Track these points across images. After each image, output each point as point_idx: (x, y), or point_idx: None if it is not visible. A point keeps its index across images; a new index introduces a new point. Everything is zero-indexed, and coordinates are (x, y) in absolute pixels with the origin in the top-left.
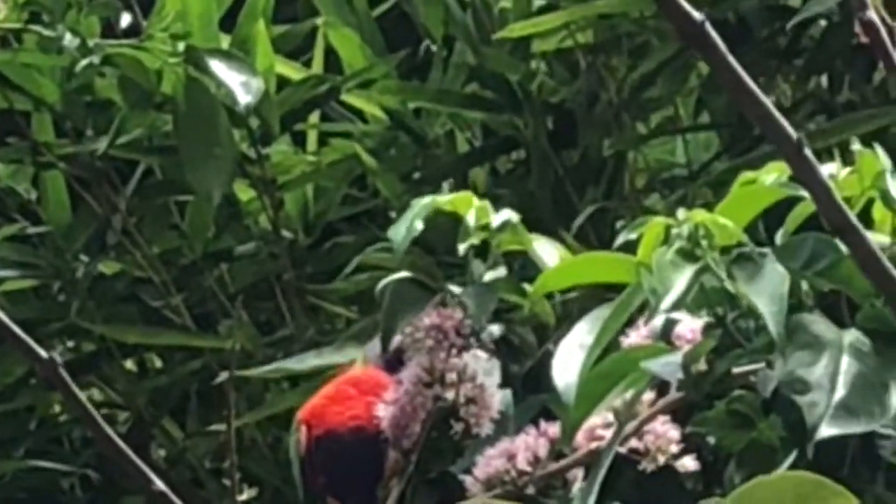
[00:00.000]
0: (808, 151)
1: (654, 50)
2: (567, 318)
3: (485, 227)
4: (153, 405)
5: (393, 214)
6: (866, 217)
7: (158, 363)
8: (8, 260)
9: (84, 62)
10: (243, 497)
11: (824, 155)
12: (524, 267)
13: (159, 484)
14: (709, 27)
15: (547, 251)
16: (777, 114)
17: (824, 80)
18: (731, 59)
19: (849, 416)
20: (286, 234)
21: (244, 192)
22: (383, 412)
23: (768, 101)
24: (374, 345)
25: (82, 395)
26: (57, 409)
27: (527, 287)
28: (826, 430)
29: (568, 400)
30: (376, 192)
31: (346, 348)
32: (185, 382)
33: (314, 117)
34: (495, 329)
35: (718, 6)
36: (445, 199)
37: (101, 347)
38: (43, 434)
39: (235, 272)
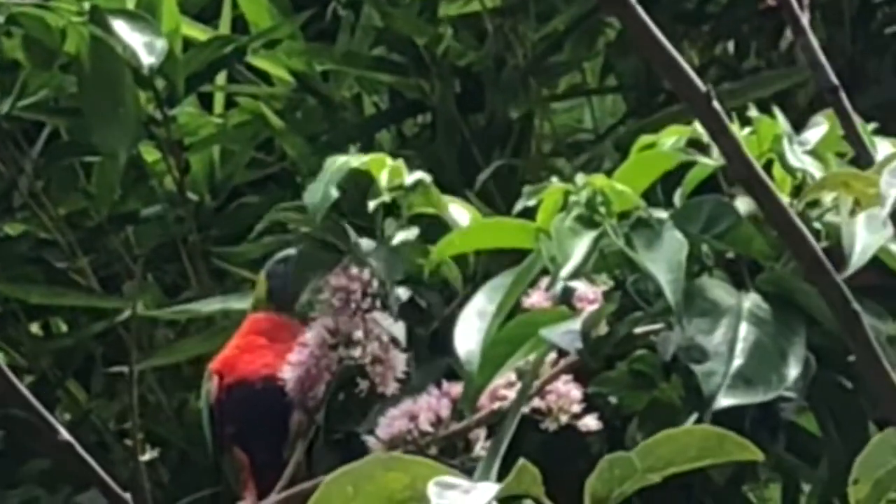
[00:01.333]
0: (716, 104)
1: (560, 14)
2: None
3: (397, 188)
4: (58, 367)
5: (299, 179)
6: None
7: (64, 328)
8: None
9: None
10: (146, 457)
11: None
12: (430, 230)
13: (65, 434)
14: None
15: (459, 213)
16: (687, 67)
17: (731, 46)
18: (643, 13)
19: (746, 387)
20: (192, 196)
21: (150, 154)
22: (289, 374)
23: (677, 55)
24: (275, 273)
25: (17, 380)
26: None
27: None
28: (723, 401)
29: (471, 367)
30: (282, 155)
31: (250, 296)
32: (89, 345)
33: (221, 79)
34: (402, 292)
35: None
36: (359, 160)
37: (6, 310)
38: None
39: (141, 234)
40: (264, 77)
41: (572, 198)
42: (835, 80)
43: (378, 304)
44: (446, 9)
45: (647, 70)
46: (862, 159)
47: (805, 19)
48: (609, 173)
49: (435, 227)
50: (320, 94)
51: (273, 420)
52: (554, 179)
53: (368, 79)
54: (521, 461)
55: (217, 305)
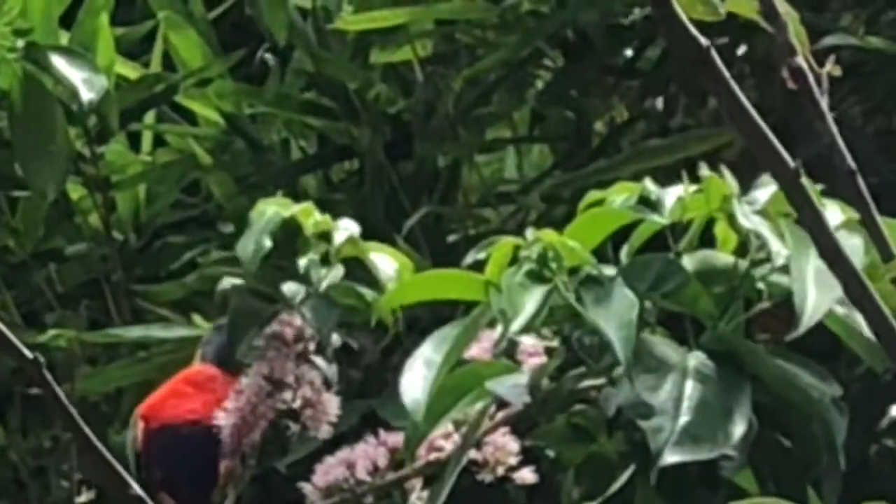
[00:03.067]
0: (804, 179)
1: (487, 60)
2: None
3: (324, 236)
4: None
5: (222, 223)
6: (709, 236)
7: None
8: None
9: None
10: (83, 499)
11: (673, 176)
12: (355, 270)
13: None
14: (713, 53)
15: (384, 261)
16: (774, 140)
17: (659, 102)
18: (733, 83)
19: (693, 444)
20: (117, 235)
21: (76, 191)
22: (224, 421)
23: (767, 129)
24: (210, 341)
25: (63, 396)
26: None
27: (366, 291)
28: (670, 458)
29: (416, 416)
30: (207, 197)
31: (172, 326)
32: (7, 382)
33: (150, 118)
34: (336, 338)
35: (558, 20)
36: (289, 209)
37: None
38: None
39: (64, 272)
40: (190, 119)
41: (523, 252)
42: (853, 163)
43: (312, 347)
44: (378, 55)
45: (576, 121)
46: (879, 247)
47: (825, 104)
48: (536, 224)
49: (361, 267)
50: (248, 136)
51: (200, 465)
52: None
53: (297, 123)
54: None
55: (140, 332)
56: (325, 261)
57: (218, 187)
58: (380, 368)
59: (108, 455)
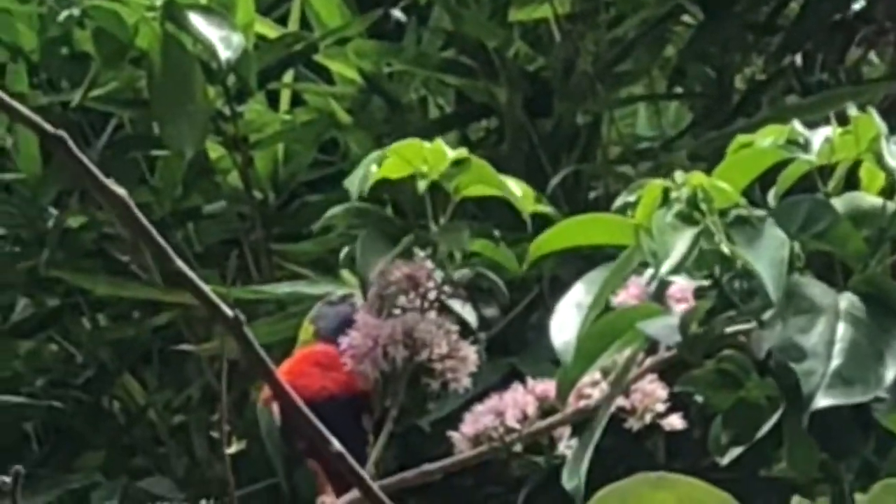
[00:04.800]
0: None
1: (630, 20)
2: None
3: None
4: (117, 357)
5: None
6: (854, 181)
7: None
8: None
9: (64, 13)
10: (232, 450)
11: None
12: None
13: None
14: None
15: (514, 186)
16: None
17: (798, 58)
18: None
19: (845, 386)
20: (256, 194)
21: (214, 150)
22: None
23: None
24: (324, 316)
25: (264, 353)
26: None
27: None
28: (822, 401)
29: (566, 358)
30: (345, 156)
31: (318, 283)
32: (148, 338)
33: (288, 77)
34: (467, 272)
35: None
36: (398, 144)
37: (65, 302)
38: (4, 383)
39: (203, 230)
40: (327, 78)
41: (673, 194)
42: None
43: (446, 289)
44: (516, 13)
45: (716, 77)
46: None
47: None
48: None
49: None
50: (386, 94)
51: (342, 428)
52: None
53: (435, 81)
54: None
55: (287, 289)
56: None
57: (356, 146)
58: (521, 327)
59: (307, 411)
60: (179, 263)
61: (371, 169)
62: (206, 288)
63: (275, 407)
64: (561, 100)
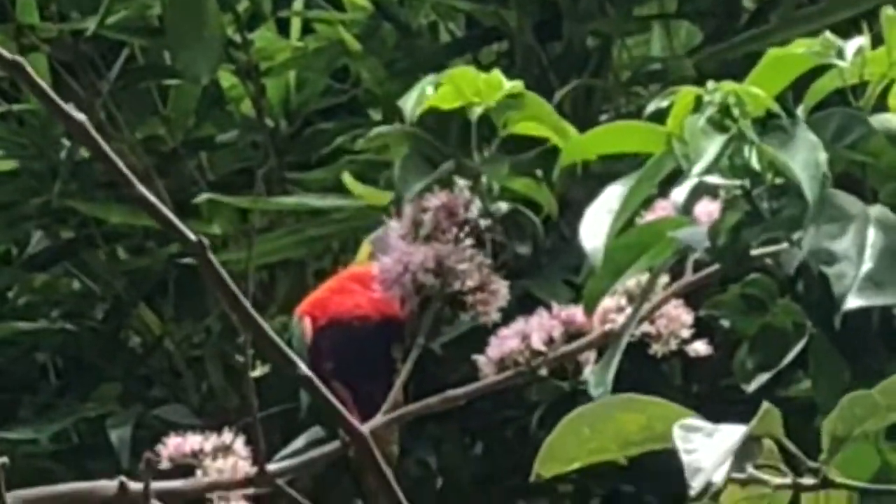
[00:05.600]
0: None
1: None
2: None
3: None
4: (132, 287)
5: (371, 109)
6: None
7: None
8: None
9: None
10: (256, 373)
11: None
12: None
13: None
14: None
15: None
16: None
17: None
18: None
19: (876, 289)
20: (268, 122)
21: (226, 79)
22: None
23: None
24: (381, 238)
25: (229, 279)
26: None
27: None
28: (853, 301)
29: (595, 262)
30: (356, 83)
31: (327, 197)
32: (163, 268)
33: (298, 4)
34: (502, 205)
35: None
36: (453, 72)
37: (80, 234)
38: (20, 315)
39: (216, 160)
40: (337, 4)
41: (705, 99)
42: None
43: (480, 222)
44: None
45: None
46: None
47: None
48: None
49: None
50: (397, 20)
51: (370, 356)
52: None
53: (445, 6)
54: (766, 404)
55: (294, 201)
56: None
57: (367, 73)
58: (534, 250)
59: (273, 335)
60: (140, 188)
61: (427, 91)
62: (168, 212)
63: (307, 322)
64: (571, 22)
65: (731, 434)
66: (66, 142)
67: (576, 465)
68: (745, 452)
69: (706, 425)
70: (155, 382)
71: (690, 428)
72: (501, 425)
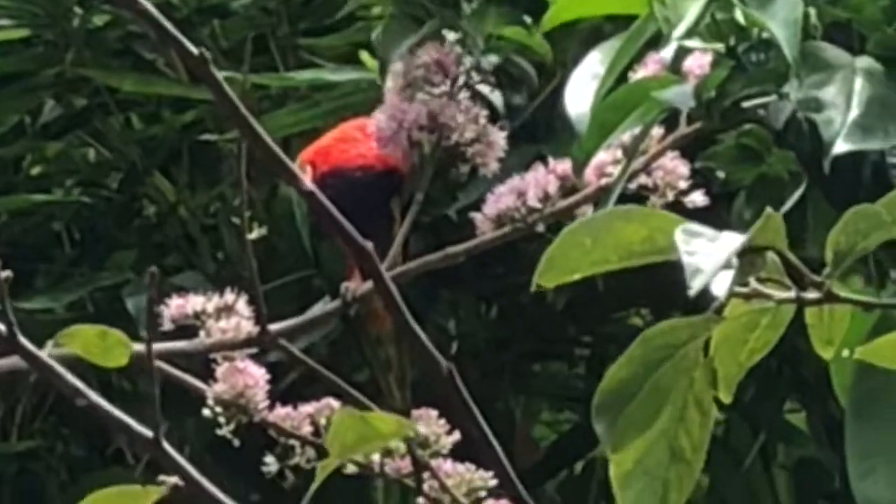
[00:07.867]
0: None
1: None
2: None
3: None
4: (147, 155)
5: None
6: None
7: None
8: (1, 7)
9: None
10: (254, 235)
11: None
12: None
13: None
14: None
15: None
16: None
17: None
18: None
19: (864, 134)
20: None
21: None
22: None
23: None
24: None
25: (230, 90)
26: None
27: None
28: (842, 146)
29: (581, 129)
30: None
31: (342, 70)
32: (177, 136)
33: None
34: (493, 59)
35: None
36: None
37: (93, 102)
38: (34, 185)
39: (229, 27)
40: None
41: None
42: None
43: (475, 77)
44: None
45: None
46: None
47: None
48: None
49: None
50: None
51: (373, 205)
52: None
53: None
54: (768, 210)
55: (310, 75)
56: None
57: None
58: (548, 114)
59: (276, 148)
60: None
61: None
62: (171, 27)
63: (308, 170)
64: None
65: (735, 240)
66: (78, 10)
67: (576, 276)
68: (747, 265)
69: (708, 231)
70: (170, 250)
71: (692, 232)
72: (515, 290)
